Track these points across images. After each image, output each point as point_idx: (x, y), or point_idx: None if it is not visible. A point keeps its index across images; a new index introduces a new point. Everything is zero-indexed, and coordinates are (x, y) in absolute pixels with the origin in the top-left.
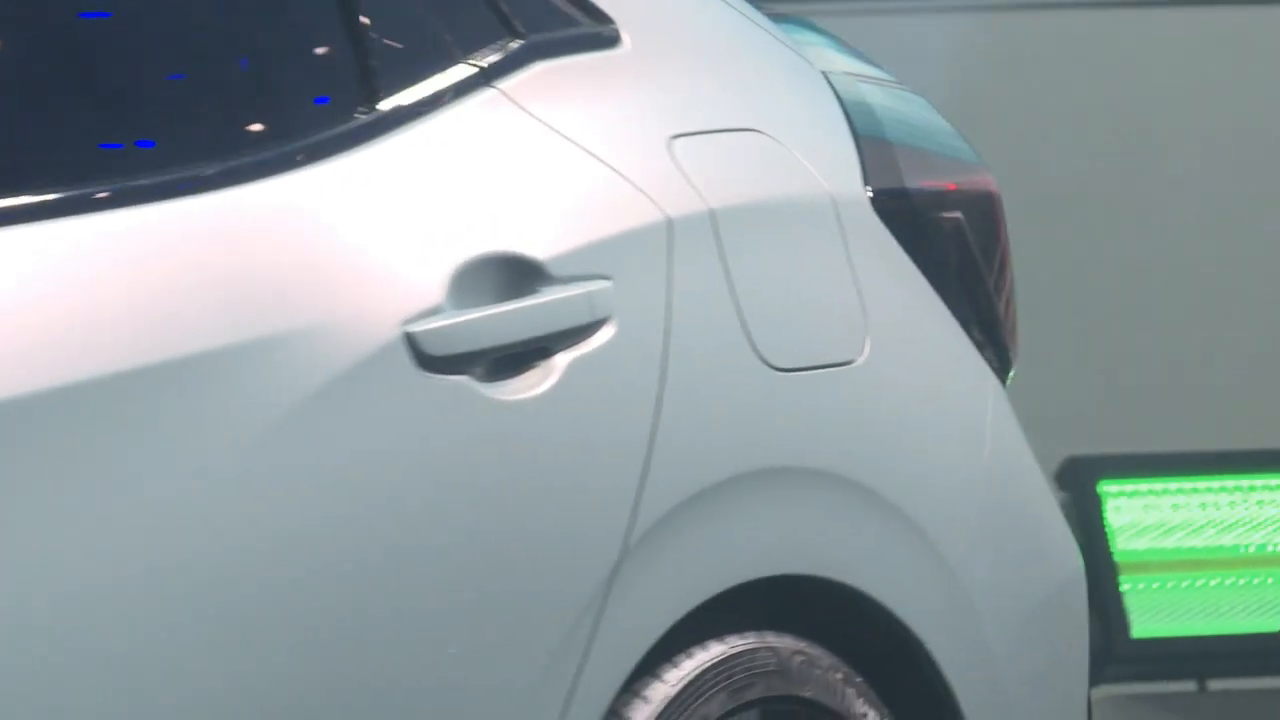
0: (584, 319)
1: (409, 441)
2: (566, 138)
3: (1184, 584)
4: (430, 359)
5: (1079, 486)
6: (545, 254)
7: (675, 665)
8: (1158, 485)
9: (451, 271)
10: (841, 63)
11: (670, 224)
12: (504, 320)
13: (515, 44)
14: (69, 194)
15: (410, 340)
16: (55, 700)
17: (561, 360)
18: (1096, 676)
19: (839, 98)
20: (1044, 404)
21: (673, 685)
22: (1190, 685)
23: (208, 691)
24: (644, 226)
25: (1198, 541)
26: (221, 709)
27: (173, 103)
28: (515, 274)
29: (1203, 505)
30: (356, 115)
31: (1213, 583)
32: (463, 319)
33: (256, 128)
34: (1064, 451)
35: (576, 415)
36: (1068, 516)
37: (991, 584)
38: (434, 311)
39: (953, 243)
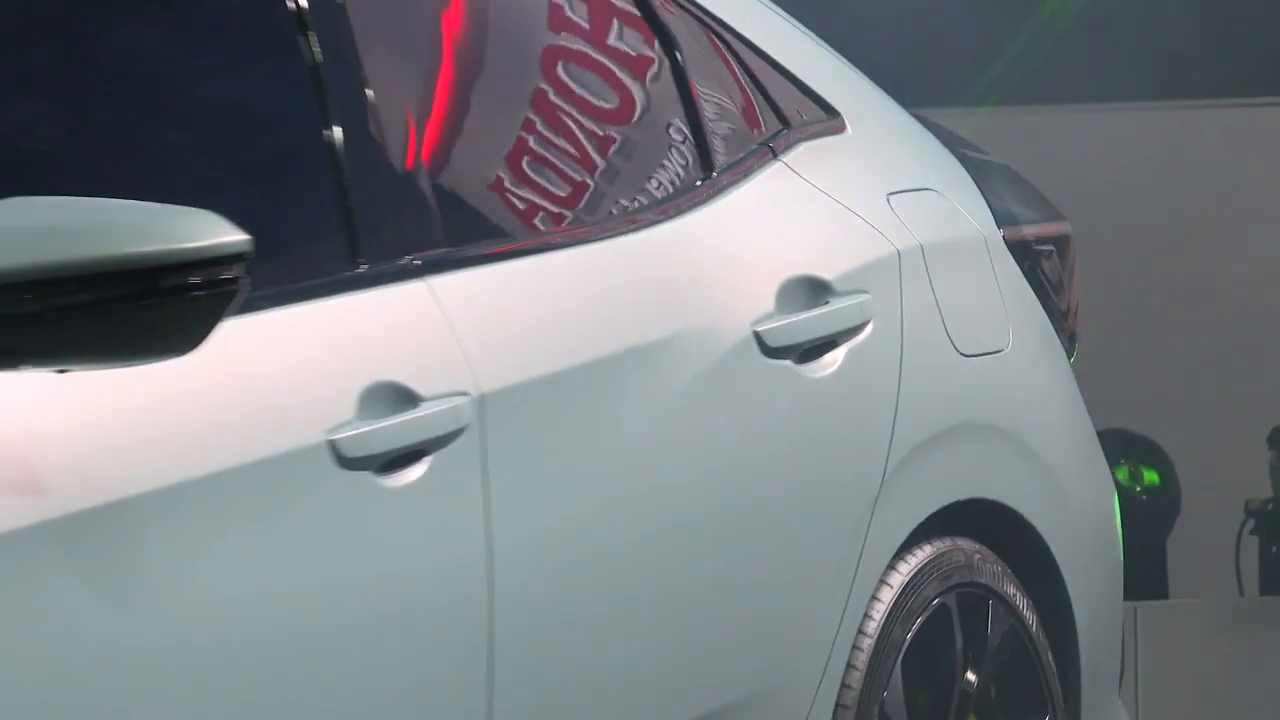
0: (856, 321)
1: (758, 405)
2: (829, 195)
3: None
4: (770, 349)
5: None
6: (830, 275)
7: (905, 561)
8: None
9: (776, 288)
10: (952, 141)
11: (899, 254)
12: (813, 322)
13: (788, 132)
14: (547, 239)
15: (757, 337)
16: (586, 583)
17: (843, 349)
18: None
19: (965, 166)
20: (1259, 384)
21: (905, 575)
22: None
23: (670, 568)
24: (885, 256)
25: None
26: (669, 583)
27: (611, 179)
28: (813, 289)
29: None
30: (700, 183)
31: None
32: (787, 321)
33: (651, 193)
34: (1273, 422)
35: (853, 386)
36: (1274, 470)
37: (1083, 505)
38: (768, 316)
39: (1046, 266)
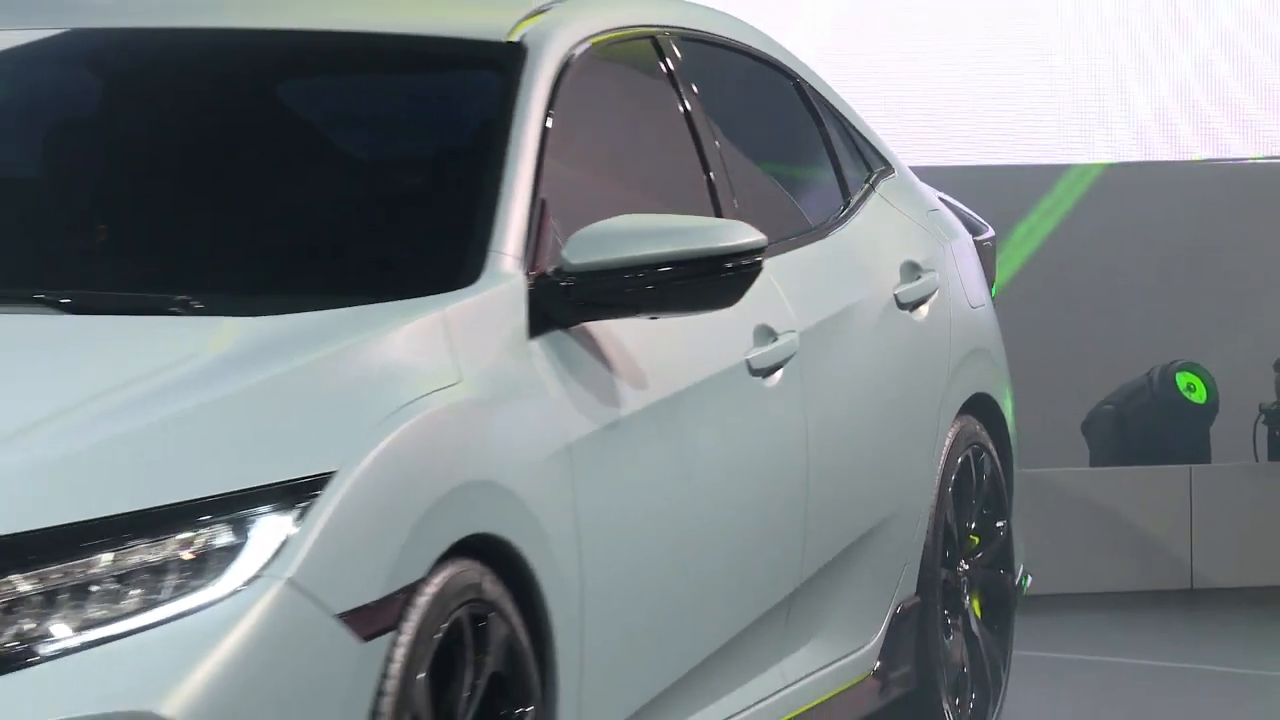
0: (933, 289)
1: (898, 339)
2: (901, 211)
3: None
4: (900, 305)
5: None
6: (919, 260)
7: (950, 431)
8: None
9: (898, 268)
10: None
11: (949, 245)
12: (917, 289)
13: (871, 173)
14: (792, 239)
15: (895, 298)
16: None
17: (927, 305)
18: None
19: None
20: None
21: (949, 440)
22: None
23: (867, 436)
24: (938, 249)
25: None
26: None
27: (814, 205)
28: (913, 269)
29: None
30: (842, 208)
31: None
32: (907, 288)
33: (821, 214)
34: (1278, 353)
35: (933, 327)
36: (1278, 385)
37: (1008, 385)
38: (898, 285)
39: (988, 257)
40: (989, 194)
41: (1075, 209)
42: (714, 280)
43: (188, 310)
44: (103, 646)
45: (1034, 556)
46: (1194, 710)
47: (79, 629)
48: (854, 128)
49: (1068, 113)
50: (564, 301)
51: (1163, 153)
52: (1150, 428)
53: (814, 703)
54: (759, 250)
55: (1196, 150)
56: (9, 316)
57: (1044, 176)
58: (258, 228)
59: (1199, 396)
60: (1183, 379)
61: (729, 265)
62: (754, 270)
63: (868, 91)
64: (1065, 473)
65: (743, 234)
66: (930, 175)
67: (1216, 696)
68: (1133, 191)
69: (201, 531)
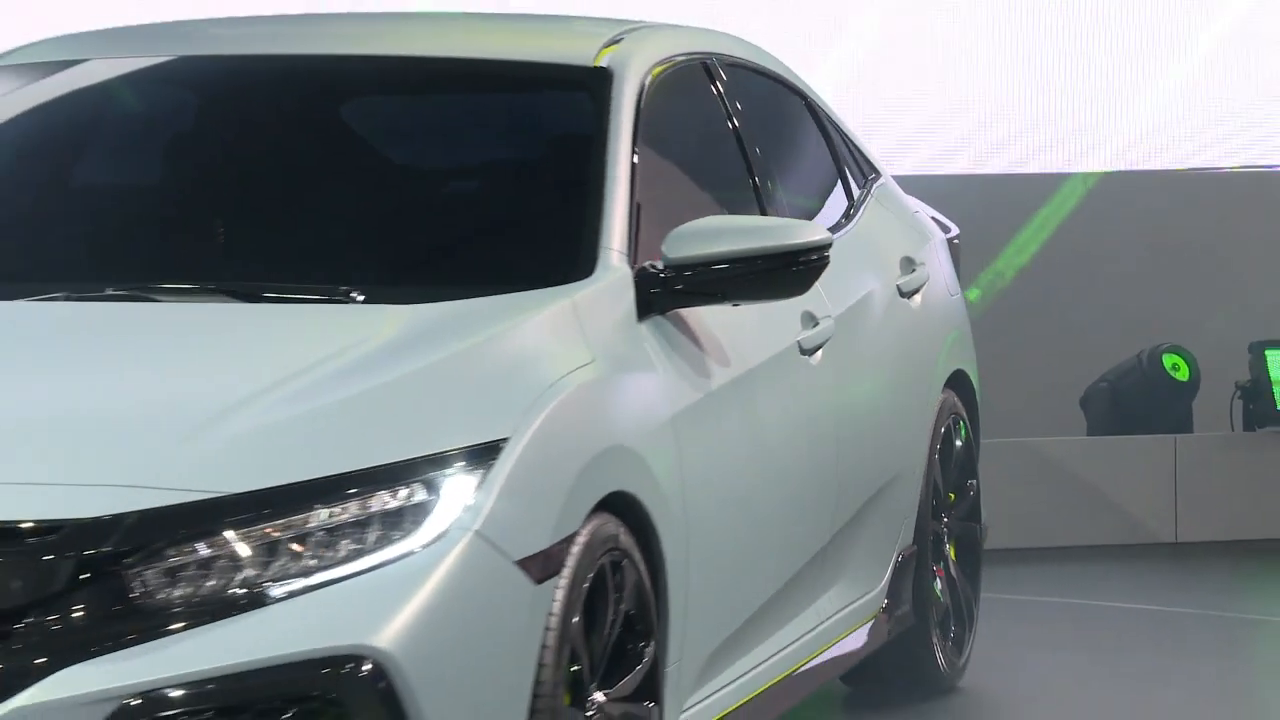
0: (925, 279)
1: (901, 322)
2: (893, 213)
3: None
4: (902, 293)
5: None
6: (911, 253)
7: (937, 403)
8: None
9: (898, 261)
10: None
11: (930, 242)
12: (914, 279)
13: (868, 178)
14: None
15: (898, 288)
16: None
17: (920, 294)
18: None
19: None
20: (1246, 315)
21: (935, 410)
22: None
23: (878, 406)
24: (927, 244)
25: None
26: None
27: (831, 206)
28: (909, 263)
29: None
30: (850, 211)
31: None
32: (906, 279)
33: (834, 217)
34: (1250, 338)
35: (927, 312)
36: (1251, 365)
37: (975, 363)
38: (898, 277)
39: (955, 253)
40: (1000, 197)
41: (1075, 211)
42: (789, 272)
43: (349, 300)
44: (319, 591)
45: (1037, 515)
46: (1174, 646)
47: (299, 575)
48: (851, 140)
49: (1074, 125)
50: (662, 290)
51: (1154, 162)
52: (1140, 402)
53: (839, 638)
54: (827, 246)
55: (1184, 160)
56: (202, 305)
57: (1049, 183)
58: (404, 228)
59: (1183, 375)
60: (1168, 359)
61: (801, 259)
62: (823, 264)
63: (879, 102)
64: (1065, 441)
65: (814, 232)
66: (946, 182)
67: (1194, 633)
68: (1127, 196)
69: (399, 490)
